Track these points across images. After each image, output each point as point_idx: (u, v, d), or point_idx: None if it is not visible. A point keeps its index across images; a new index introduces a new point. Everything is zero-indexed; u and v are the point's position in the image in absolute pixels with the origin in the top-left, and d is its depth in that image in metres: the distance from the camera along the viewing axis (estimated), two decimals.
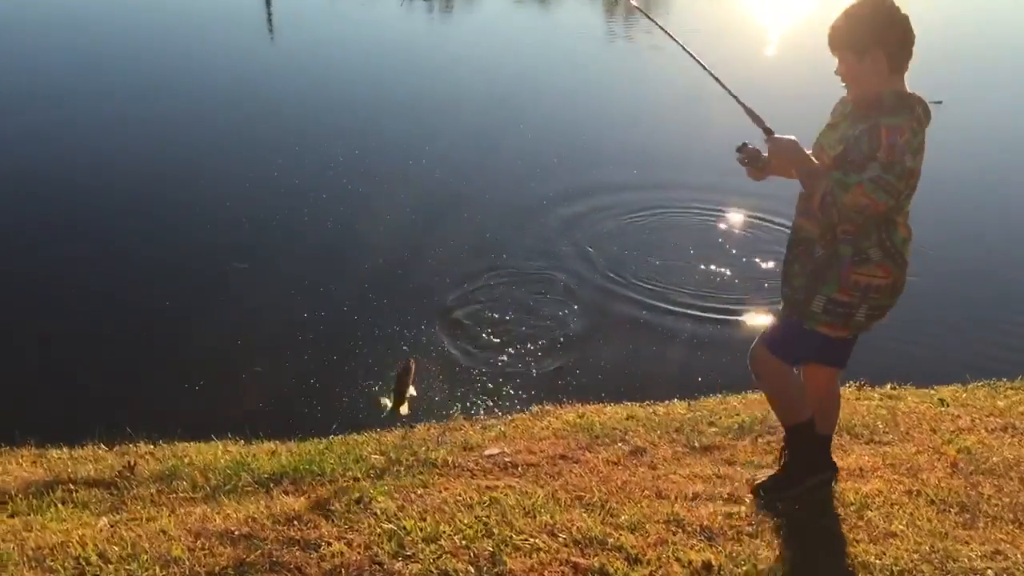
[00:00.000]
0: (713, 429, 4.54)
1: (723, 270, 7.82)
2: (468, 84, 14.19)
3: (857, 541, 3.16)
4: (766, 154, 3.28)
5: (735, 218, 8.99)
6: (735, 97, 3.34)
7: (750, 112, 3.31)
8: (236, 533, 3.16)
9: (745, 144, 3.35)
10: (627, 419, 4.84)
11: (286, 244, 7.98)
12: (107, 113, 11.41)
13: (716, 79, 3.41)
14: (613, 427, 4.65)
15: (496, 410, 5.60)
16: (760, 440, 4.34)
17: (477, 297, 7.32)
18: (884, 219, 3.02)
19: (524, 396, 6.03)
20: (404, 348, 6.53)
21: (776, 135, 3.19)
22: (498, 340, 6.64)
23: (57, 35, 15.73)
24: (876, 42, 2.97)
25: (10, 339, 6.14)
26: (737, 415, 4.76)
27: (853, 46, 3.00)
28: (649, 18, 4.20)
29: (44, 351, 6.02)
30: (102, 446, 4.63)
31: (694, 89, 13.94)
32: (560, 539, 3.15)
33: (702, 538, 3.16)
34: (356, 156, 10.34)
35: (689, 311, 7.10)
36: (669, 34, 3.70)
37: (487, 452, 4.37)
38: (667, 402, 5.25)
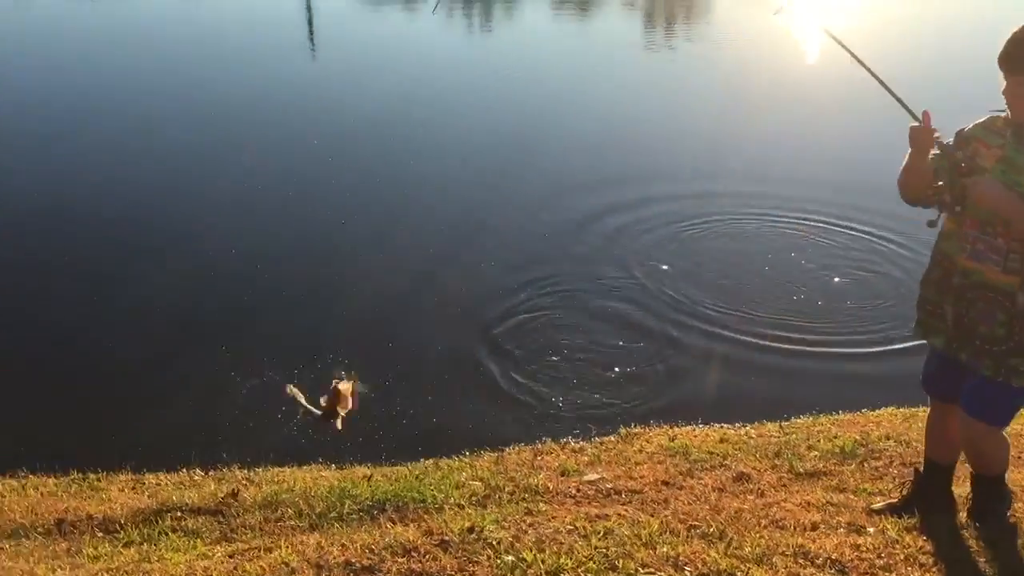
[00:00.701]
0: (814, 453, 4.46)
1: (789, 283, 7.62)
2: (511, 95, 14.19)
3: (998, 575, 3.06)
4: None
5: (797, 225, 8.83)
6: (914, 115, 3.10)
7: (943, 147, 3.04)
8: (357, 565, 3.13)
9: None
10: (721, 442, 4.79)
11: (333, 268, 7.89)
12: (146, 128, 11.53)
13: (905, 106, 3.18)
14: (709, 451, 4.59)
15: (577, 431, 5.51)
16: (866, 465, 4.25)
17: (539, 309, 7.21)
18: None
19: (600, 417, 5.89)
20: (480, 371, 6.43)
21: (976, 177, 2.96)
22: (564, 361, 6.51)
23: (91, 51, 15.96)
24: None
25: (103, 365, 6.18)
26: (835, 438, 4.68)
27: None
28: (839, 43, 3.65)
29: (134, 376, 6.04)
30: (198, 471, 4.64)
31: (738, 98, 13.96)
32: (687, 572, 3.08)
33: (834, 572, 3.07)
34: (396, 170, 10.36)
35: (757, 328, 6.90)
36: (854, 55, 3.42)
37: (586, 478, 4.32)
38: (756, 423, 5.17)
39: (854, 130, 12.36)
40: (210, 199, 9.32)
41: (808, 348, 6.57)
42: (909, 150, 3.11)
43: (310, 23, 20.76)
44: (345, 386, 4.03)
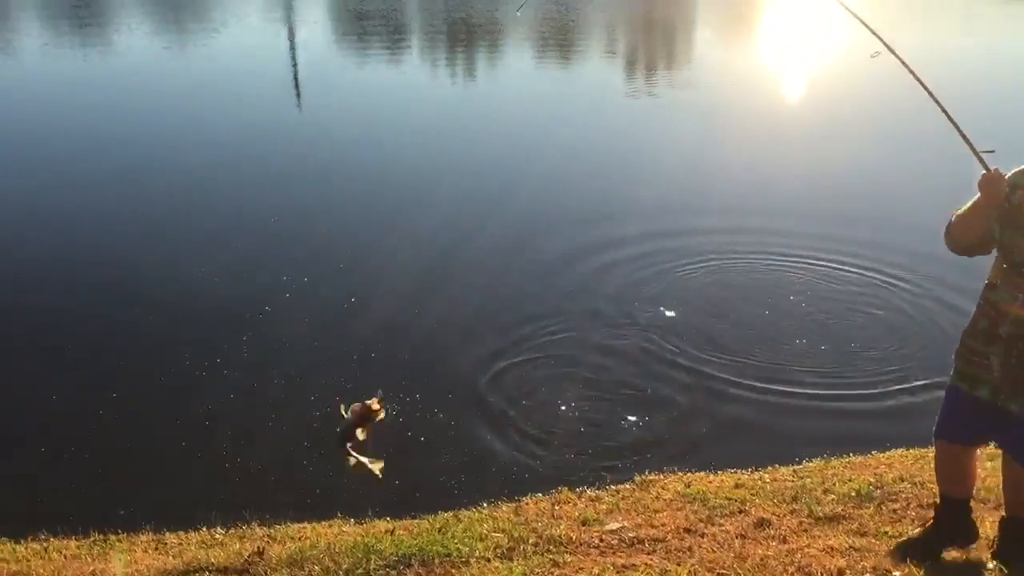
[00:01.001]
0: (831, 497, 4.51)
1: (790, 325, 7.67)
2: (495, 144, 14.34)
3: None
4: None
5: (795, 265, 8.95)
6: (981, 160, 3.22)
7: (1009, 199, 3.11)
8: None
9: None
10: (737, 488, 4.83)
11: (325, 317, 7.87)
12: (133, 188, 11.56)
13: (975, 151, 3.25)
14: (727, 497, 4.64)
15: (591, 479, 5.51)
16: (884, 508, 4.31)
17: (536, 355, 7.20)
18: None
19: (612, 465, 5.87)
20: (482, 421, 6.40)
21: None
22: (568, 408, 6.50)
23: (76, 106, 16.03)
24: None
25: (112, 423, 6.15)
26: (849, 481, 4.74)
27: None
28: (919, 81, 3.71)
29: (145, 434, 6.02)
30: (219, 530, 4.64)
31: (724, 140, 14.22)
32: None
33: None
34: (382, 218, 10.45)
35: (760, 372, 6.93)
36: (933, 95, 3.55)
37: (608, 527, 4.35)
38: (770, 468, 5.22)
39: (844, 167, 12.67)
40: (197, 250, 9.33)
41: (814, 392, 6.64)
42: (974, 199, 3.20)
43: (295, 77, 20.98)
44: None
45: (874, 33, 3.90)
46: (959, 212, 3.31)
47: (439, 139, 14.48)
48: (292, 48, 24.48)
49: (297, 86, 19.87)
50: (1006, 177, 3.19)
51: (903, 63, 3.71)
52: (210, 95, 17.57)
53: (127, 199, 11.05)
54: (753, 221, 10.23)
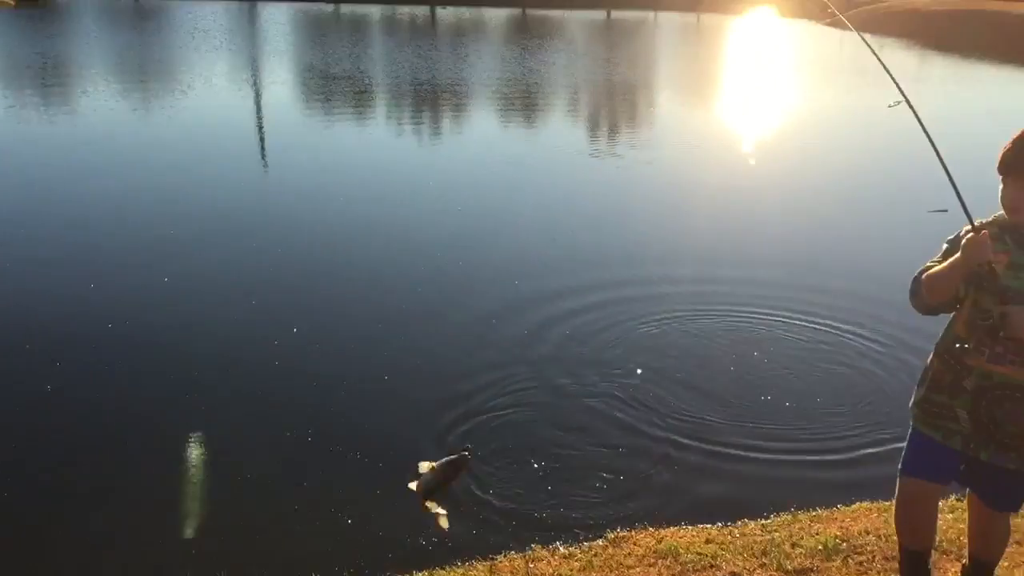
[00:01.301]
0: (799, 551, 4.61)
1: (755, 382, 7.81)
2: (461, 203, 14.52)
3: None
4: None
5: (759, 321, 9.14)
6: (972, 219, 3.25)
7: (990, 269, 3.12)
8: None
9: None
10: (707, 543, 4.90)
11: (300, 378, 7.92)
12: (88, 247, 11.57)
13: (967, 211, 3.27)
14: (698, 552, 4.71)
15: (563, 537, 5.54)
16: (851, 561, 4.41)
17: (499, 410, 7.22)
18: None
19: (582, 522, 5.89)
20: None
21: (1016, 306, 3.05)
22: (535, 465, 6.52)
23: (36, 170, 15.98)
24: None
25: (90, 483, 6.09)
26: (816, 534, 4.84)
27: None
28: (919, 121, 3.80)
29: (123, 498, 5.96)
30: None
31: (688, 198, 14.55)
32: None
33: None
34: (346, 282, 10.50)
35: (727, 429, 7.05)
36: (931, 139, 3.62)
37: None
38: (740, 523, 5.30)
39: (808, 221, 13.01)
40: (164, 312, 9.31)
41: (780, 446, 6.76)
42: (952, 258, 3.20)
43: (261, 138, 21.12)
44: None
45: (897, 85, 4.02)
46: (930, 271, 3.32)
47: (402, 201, 14.57)
48: (258, 109, 24.65)
49: (263, 147, 20.01)
50: (961, 234, 3.22)
51: (916, 116, 3.78)
52: (176, 157, 17.60)
53: (92, 257, 11.00)
54: (722, 273, 10.47)
